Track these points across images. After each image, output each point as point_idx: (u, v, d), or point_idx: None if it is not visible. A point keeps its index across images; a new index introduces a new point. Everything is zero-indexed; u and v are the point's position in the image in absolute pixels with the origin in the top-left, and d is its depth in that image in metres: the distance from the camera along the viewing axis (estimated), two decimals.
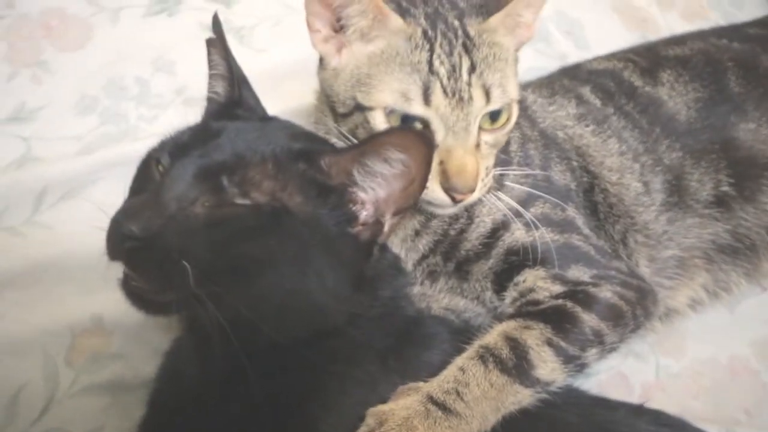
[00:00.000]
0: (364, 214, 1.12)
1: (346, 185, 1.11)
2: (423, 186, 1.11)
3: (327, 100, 1.28)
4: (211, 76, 1.26)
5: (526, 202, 1.30)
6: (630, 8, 1.80)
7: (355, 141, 1.22)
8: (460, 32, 1.21)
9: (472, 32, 1.21)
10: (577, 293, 1.24)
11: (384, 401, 1.12)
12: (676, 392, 1.44)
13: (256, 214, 1.05)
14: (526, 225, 1.28)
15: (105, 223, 1.36)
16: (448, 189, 1.18)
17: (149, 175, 1.11)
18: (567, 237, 1.30)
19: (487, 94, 1.19)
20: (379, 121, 1.19)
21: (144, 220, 0.99)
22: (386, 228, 1.15)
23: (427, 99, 1.16)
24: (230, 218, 1.04)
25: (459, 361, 1.17)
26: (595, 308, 1.23)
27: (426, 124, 1.17)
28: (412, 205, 1.15)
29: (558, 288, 1.25)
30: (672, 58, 1.53)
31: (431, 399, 1.12)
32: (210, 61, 1.25)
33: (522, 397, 1.16)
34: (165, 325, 1.37)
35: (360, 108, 1.21)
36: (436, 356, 1.21)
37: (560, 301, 1.23)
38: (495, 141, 1.23)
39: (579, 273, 1.27)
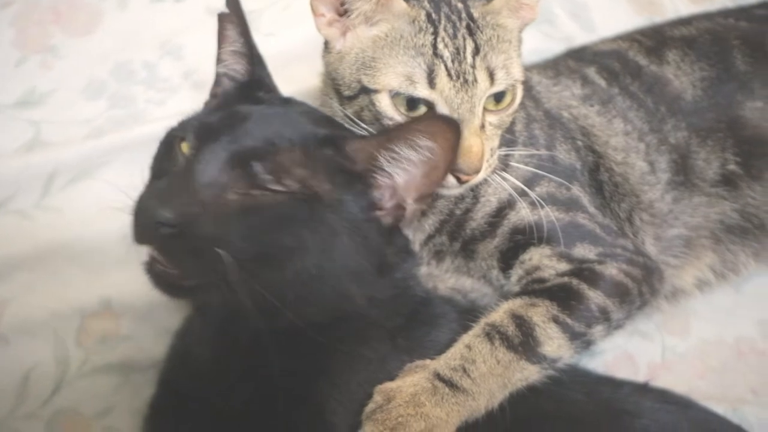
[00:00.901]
0: (387, 199, 1.15)
1: (370, 171, 1.12)
2: (446, 172, 1.13)
3: (332, 83, 1.29)
4: (225, 53, 1.26)
5: (531, 181, 1.31)
6: None
7: (361, 123, 1.23)
8: (463, 15, 1.21)
9: (475, 14, 1.22)
10: (583, 270, 1.25)
11: (392, 379, 1.14)
12: (682, 372, 1.45)
13: (289, 201, 1.06)
14: (532, 204, 1.29)
15: (119, 204, 1.40)
16: (453, 170, 1.18)
17: (172, 156, 1.12)
18: (572, 215, 1.30)
19: (492, 76, 1.19)
20: (385, 104, 1.19)
21: (179, 207, 1.00)
22: (408, 213, 1.17)
23: (431, 82, 1.17)
24: (264, 205, 1.05)
25: (465, 338, 1.18)
26: (601, 285, 1.24)
27: (431, 106, 1.18)
28: (434, 190, 1.17)
29: (563, 266, 1.26)
30: (678, 37, 1.52)
31: (438, 376, 1.13)
32: (225, 36, 1.25)
33: (529, 373, 1.17)
34: (173, 307, 1.38)
35: (365, 91, 1.21)
36: (444, 335, 1.23)
37: (566, 279, 1.24)
38: (500, 122, 1.23)
39: (584, 251, 1.28)
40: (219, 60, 1.27)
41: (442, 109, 1.17)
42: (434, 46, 1.18)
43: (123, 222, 1.42)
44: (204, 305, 1.16)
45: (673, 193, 1.41)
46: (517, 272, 1.29)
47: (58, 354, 1.36)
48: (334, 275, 1.11)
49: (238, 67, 1.25)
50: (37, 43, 1.61)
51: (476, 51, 1.19)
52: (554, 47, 1.67)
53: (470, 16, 1.22)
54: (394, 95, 1.19)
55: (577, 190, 1.34)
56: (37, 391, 1.33)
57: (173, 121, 1.50)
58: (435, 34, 1.19)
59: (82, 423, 1.32)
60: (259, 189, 1.05)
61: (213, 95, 1.29)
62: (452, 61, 1.17)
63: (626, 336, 1.45)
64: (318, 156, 1.10)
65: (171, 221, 0.99)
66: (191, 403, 1.16)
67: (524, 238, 1.28)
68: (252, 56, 1.24)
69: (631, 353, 1.45)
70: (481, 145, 1.18)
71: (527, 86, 1.43)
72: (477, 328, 1.19)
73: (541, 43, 1.68)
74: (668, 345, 1.47)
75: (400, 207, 1.16)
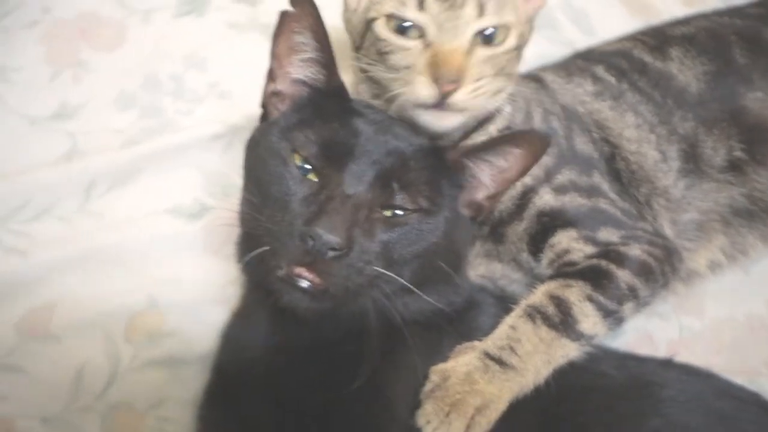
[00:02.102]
0: (469, 197, 1.24)
1: (461, 173, 1.22)
2: (519, 176, 1.23)
3: (352, 43, 1.38)
4: (295, 57, 1.24)
5: (553, 169, 1.39)
6: None
7: (372, 75, 1.32)
8: None
9: None
10: (610, 252, 1.33)
11: (445, 361, 1.22)
12: (700, 349, 1.52)
13: (424, 217, 1.16)
14: (555, 190, 1.37)
15: (158, 208, 1.45)
16: (436, 79, 1.23)
17: (287, 171, 1.15)
18: (594, 201, 1.38)
19: (481, 8, 1.26)
20: (381, 28, 1.28)
21: (344, 231, 1.06)
22: (485, 210, 1.27)
23: (421, 4, 1.25)
24: (406, 223, 1.14)
25: (509, 320, 1.26)
26: (628, 265, 1.32)
27: (420, 27, 1.26)
28: (506, 189, 1.26)
29: (590, 249, 1.33)
30: (678, 36, 1.61)
31: (488, 355, 1.21)
32: (293, 40, 1.22)
33: (569, 350, 1.25)
34: (216, 302, 1.45)
35: (369, 27, 1.30)
36: (487, 320, 1.31)
37: (595, 261, 1.32)
38: (491, 56, 1.28)
39: (608, 234, 1.35)
40: (283, 58, 1.25)
41: (430, 27, 1.24)
42: None
43: (162, 224, 1.51)
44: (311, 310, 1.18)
45: (685, 180, 1.48)
46: (548, 255, 1.36)
47: (108, 350, 1.40)
48: (453, 272, 1.23)
49: (309, 73, 1.24)
50: (67, 58, 1.66)
51: None
52: (559, 51, 1.75)
53: None
54: (389, 19, 1.27)
55: (597, 178, 1.42)
56: (91, 385, 1.37)
57: (203, 130, 1.58)
58: None
59: (136, 415, 1.37)
60: (397, 207, 1.14)
61: (275, 93, 1.28)
62: None
63: (645, 317, 1.52)
64: (430, 168, 1.19)
65: (339, 245, 1.05)
66: (245, 390, 1.23)
67: (550, 221, 1.36)
68: (330, 62, 1.23)
69: (651, 333, 1.53)
70: (464, 58, 1.24)
71: (542, 84, 1.54)
72: (519, 310, 1.27)
73: (546, 47, 1.76)
74: (684, 324, 1.54)
75: (475, 203, 1.25)
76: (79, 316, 1.42)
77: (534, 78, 1.59)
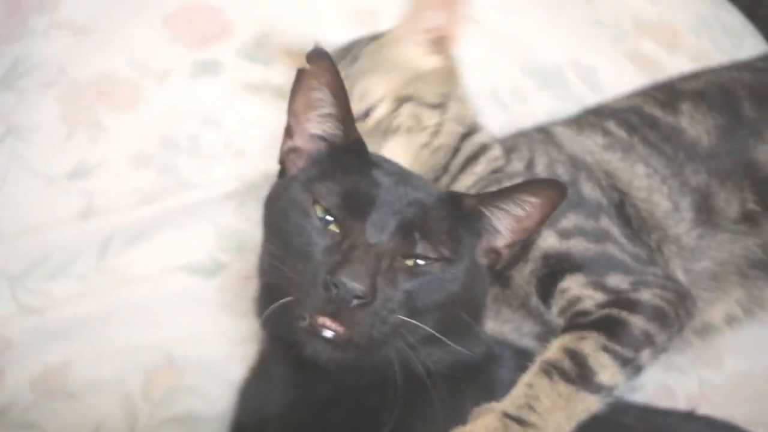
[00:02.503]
0: (486, 245, 1.24)
1: (478, 221, 1.22)
2: (539, 225, 1.22)
3: None
4: (310, 116, 1.24)
5: (557, 213, 1.38)
6: (639, 54, 1.93)
7: None
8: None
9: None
10: (621, 300, 1.33)
11: (464, 422, 1.20)
12: (719, 403, 1.51)
13: (445, 266, 1.16)
14: (559, 234, 1.38)
15: (175, 265, 1.46)
16: None
17: (309, 222, 1.15)
18: (602, 246, 1.38)
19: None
20: None
21: (368, 279, 1.05)
22: (503, 258, 1.26)
23: None
24: (428, 272, 1.14)
25: (526, 378, 1.25)
26: (641, 311, 1.31)
27: None
28: (523, 238, 1.25)
29: (600, 296, 1.33)
30: (688, 90, 1.64)
31: (507, 415, 1.20)
32: (311, 96, 1.22)
33: (589, 403, 1.24)
34: (234, 359, 1.44)
35: None
36: (507, 373, 1.30)
37: (607, 310, 1.31)
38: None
39: (617, 281, 1.35)
40: (300, 114, 1.25)
41: None
42: None
43: (178, 281, 1.51)
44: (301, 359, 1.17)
45: (698, 230, 1.49)
46: (558, 303, 1.36)
47: (125, 408, 1.39)
48: (473, 317, 1.22)
49: (329, 129, 1.24)
50: (83, 118, 1.67)
51: None
52: (568, 107, 1.78)
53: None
54: None
55: (605, 222, 1.43)
56: None
57: (218, 188, 1.59)
58: None
59: None
60: (419, 257, 1.14)
61: (293, 150, 1.28)
62: None
63: (663, 371, 1.52)
64: (449, 217, 1.19)
65: (363, 293, 1.05)
66: None
67: (558, 264, 1.36)
68: (348, 119, 1.22)
69: (670, 387, 1.52)
70: None
71: (549, 137, 1.57)
72: (535, 367, 1.26)
73: (556, 105, 1.80)
74: (704, 378, 1.54)
75: (494, 252, 1.25)
76: (95, 374, 1.41)
77: (542, 130, 1.62)
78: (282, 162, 1.31)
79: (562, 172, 1.48)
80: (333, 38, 1.62)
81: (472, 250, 1.22)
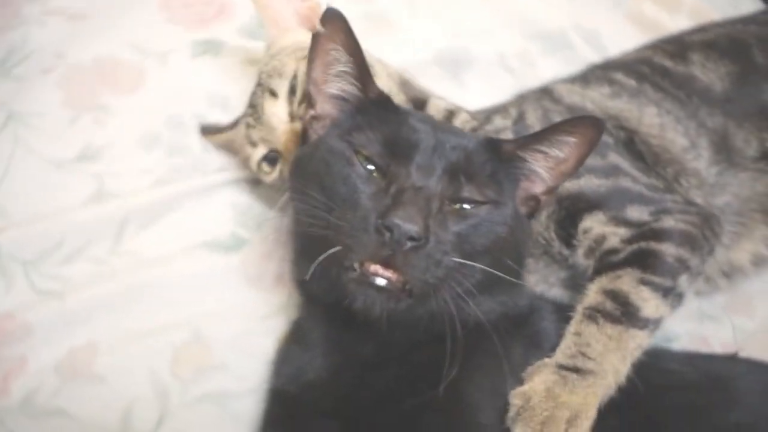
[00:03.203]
0: (525, 193, 1.22)
1: (518, 166, 1.20)
2: (577, 167, 1.20)
3: None
4: (329, 77, 1.23)
5: None
6: (640, 16, 1.93)
7: None
8: None
9: None
10: (646, 232, 1.31)
11: (521, 383, 1.18)
12: (755, 348, 1.47)
13: (491, 209, 1.14)
14: None
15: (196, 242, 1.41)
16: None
17: (353, 170, 1.13)
18: (614, 180, 1.37)
19: (271, 92, 1.45)
20: (267, 178, 1.47)
21: (421, 221, 1.03)
22: (542, 205, 1.25)
23: (253, 143, 1.48)
24: (476, 215, 1.12)
25: (571, 328, 1.24)
26: (668, 238, 1.30)
27: (269, 152, 1.45)
28: (561, 183, 1.24)
29: (624, 231, 1.32)
30: (697, 42, 1.64)
31: (562, 366, 1.18)
32: (327, 58, 1.21)
33: (640, 339, 1.22)
34: (261, 333, 1.41)
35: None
36: (549, 324, 1.29)
37: (635, 245, 1.30)
38: None
39: (638, 212, 1.34)
40: (319, 80, 1.24)
41: (268, 147, 1.45)
42: (247, 124, 1.49)
43: (200, 258, 1.47)
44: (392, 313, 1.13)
45: (718, 168, 1.48)
46: (583, 244, 1.34)
47: (156, 388, 1.35)
48: (517, 266, 1.19)
49: (349, 88, 1.23)
50: (86, 102, 1.63)
51: (262, 90, 1.47)
52: (575, 69, 1.76)
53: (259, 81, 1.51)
54: (260, 169, 1.47)
55: (613, 157, 1.41)
56: (141, 425, 1.31)
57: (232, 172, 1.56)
58: (245, 118, 1.51)
59: None
60: (465, 200, 1.12)
61: (315, 117, 1.27)
62: (252, 116, 1.48)
63: (697, 321, 1.51)
64: (490, 161, 1.17)
65: (418, 234, 1.02)
66: (311, 413, 1.19)
67: (573, 205, 1.35)
68: (366, 76, 1.22)
69: (705, 336, 1.51)
70: (290, 132, 1.40)
71: (547, 90, 1.59)
72: (578, 316, 1.25)
73: (563, 67, 1.79)
74: (737, 325, 1.52)
75: (533, 199, 1.23)
76: (122, 355, 1.37)
77: (540, 89, 1.62)
78: (304, 131, 1.30)
79: (558, 119, 1.44)
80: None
81: (513, 196, 1.20)
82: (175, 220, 1.52)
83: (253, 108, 1.49)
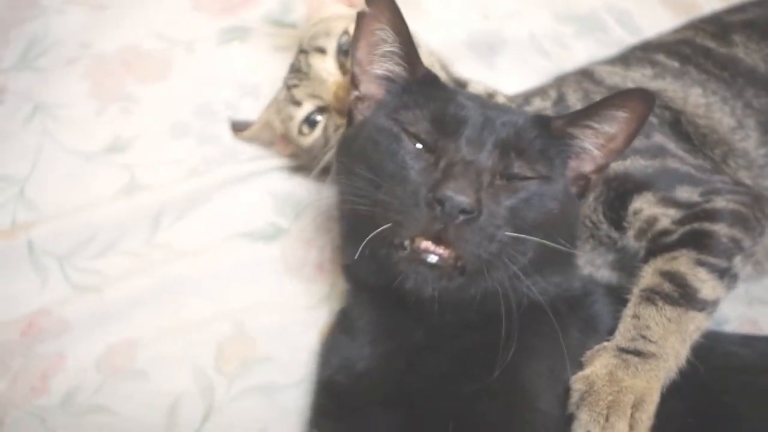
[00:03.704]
0: (574, 172, 1.19)
1: (568, 143, 1.16)
2: (627, 143, 1.17)
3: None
4: (375, 58, 1.21)
5: None
6: None
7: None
8: None
9: None
10: (698, 213, 1.28)
11: (580, 367, 1.15)
12: None
13: (542, 184, 1.11)
14: None
15: (237, 231, 1.38)
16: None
17: (401, 146, 1.10)
18: (661, 161, 1.34)
19: (319, 50, 1.44)
20: (304, 141, 1.46)
21: (473, 194, 1.00)
22: (592, 184, 1.21)
23: (296, 103, 1.46)
24: (527, 189, 1.09)
25: (629, 311, 1.20)
26: (720, 218, 1.27)
27: (315, 110, 1.44)
28: (611, 161, 1.20)
29: (674, 212, 1.29)
30: (737, 22, 1.60)
31: (623, 350, 1.15)
32: (372, 38, 1.19)
33: (699, 321, 1.19)
34: (306, 324, 1.38)
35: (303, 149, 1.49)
36: (602, 307, 1.25)
37: (688, 226, 1.27)
38: None
39: (687, 193, 1.31)
40: (365, 61, 1.21)
41: (316, 103, 1.44)
42: (287, 87, 1.48)
43: (239, 249, 1.43)
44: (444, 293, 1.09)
45: (766, 149, 1.45)
46: (634, 226, 1.31)
47: (200, 382, 1.32)
48: (570, 245, 1.15)
49: (391, 67, 1.20)
50: (112, 92, 1.60)
51: (306, 54, 1.46)
52: (609, 51, 1.72)
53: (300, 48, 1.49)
54: (300, 132, 1.46)
55: (658, 137, 1.38)
56: (187, 421, 1.28)
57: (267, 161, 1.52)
58: (284, 83, 1.50)
59: None
60: (516, 176, 1.09)
61: (360, 98, 1.24)
62: (295, 77, 1.46)
63: (746, 304, 1.48)
64: (539, 137, 1.14)
65: (471, 206, 0.99)
66: (363, 402, 1.15)
67: (621, 186, 1.31)
68: (413, 55, 1.19)
69: (754, 318, 1.47)
70: (343, 84, 1.39)
71: (588, 73, 1.54)
72: (635, 298, 1.21)
73: (597, 49, 1.75)
74: None
75: (582, 178, 1.20)
76: (164, 350, 1.34)
77: (581, 70, 1.59)
78: (349, 112, 1.26)
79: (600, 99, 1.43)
80: None
81: (563, 174, 1.16)
82: (210, 210, 1.49)
83: (296, 71, 1.48)
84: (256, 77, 1.65)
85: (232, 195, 1.50)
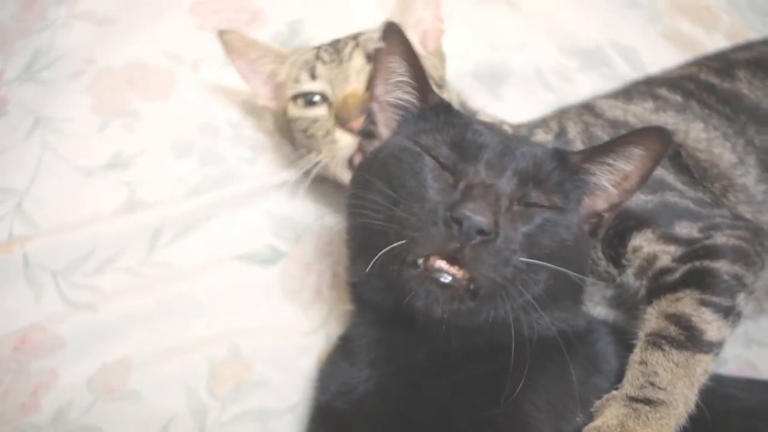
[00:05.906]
0: (588, 210, 1.19)
1: (584, 178, 1.17)
2: (641, 182, 1.17)
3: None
4: (390, 85, 1.23)
5: None
6: (677, 34, 1.90)
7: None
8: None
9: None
10: (698, 250, 1.27)
11: (586, 406, 1.15)
12: None
13: (558, 214, 1.11)
14: None
15: (234, 254, 1.37)
16: (344, 123, 1.36)
17: (423, 165, 1.11)
18: (660, 195, 1.33)
19: (369, 56, 1.40)
20: (293, 110, 1.45)
21: (491, 216, 1.00)
22: (604, 222, 1.21)
23: (312, 74, 1.43)
24: (542, 217, 1.09)
25: (636, 356, 1.19)
26: (722, 255, 1.26)
27: (321, 94, 1.42)
28: (625, 200, 1.20)
29: (675, 249, 1.28)
30: (742, 59, 1.60)
31: (632, 399, 1.14)
32: (388, 70, 1.22)
33: (706, 364, 1.18)
34: (303, 348, 1.38)
35: (285, 115, 1.47)
36: (605, 346, 1.25)
37: (689, 264, 1.26)
38: None
39: (687, 229, 1.30)
40: (381, 95, 1.24)
41: (329, 90, 1.41)
42: (317, 55, 1.46)
43: (236, 271, 1.42)
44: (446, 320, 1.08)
45: (766, 185, 1.44)
46: (634, 264, 1.30)
47: (192, 405, 1.30)
48: (579, 282, 1.15)
49: (405, 96, 1.22)
50: (116, 108, 1.59)
51: (356, 45, 1.44)
52: (613, 86, 1.72)
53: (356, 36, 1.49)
54: (296, 100, 1.44)
55: (657, 171, 1.35)
56: None
57: (268, 177, 1.51)
58: (318, 49, 1.48)
59: None
60: (532, 204, 1.09)
61: (368, 128, 1.27)
62: (330, 54, 1.44)
63: (744, 346, 1.47)
64: (556, 169, 1.15)
65: (488, 227, 0.99)
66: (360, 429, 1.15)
67: (621, 224, 1.30)
68: (425, 85, 1.22)
69: (752, 361, 1.47)
70: (357, 95, 1.37)
71: (588, 106, 1.55)
72: (641, 343, 1.20)
73: (602, 84, 1.76)
74: None
75: (595, 216, 1.20)
76: (158, 371, 1.33)
77: (582, 104, 1.59)
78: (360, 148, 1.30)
79: (600, 134, 1.43)
80: (364, 23, 1.56)
81: (577, 210, 1.16)
82: (210, 230, 1.48)
83: (336, 51, 1.46)
84: (260, 98, 1.64)
85: (232, 215, 1.49)
